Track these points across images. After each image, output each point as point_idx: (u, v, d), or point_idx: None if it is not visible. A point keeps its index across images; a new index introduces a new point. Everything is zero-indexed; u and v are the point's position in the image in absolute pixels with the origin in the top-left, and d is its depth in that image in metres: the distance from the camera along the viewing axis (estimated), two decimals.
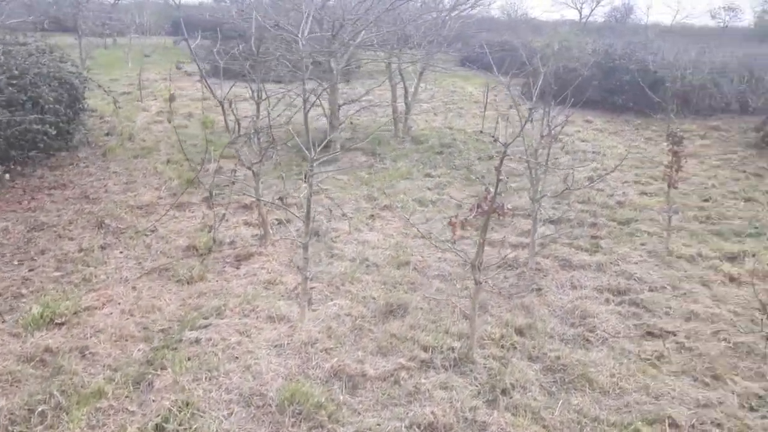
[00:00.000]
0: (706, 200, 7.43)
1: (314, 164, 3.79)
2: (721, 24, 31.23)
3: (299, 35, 4.07)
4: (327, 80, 8.93)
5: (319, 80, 8.98)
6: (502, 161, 3.31)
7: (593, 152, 9.85)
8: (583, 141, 10.84)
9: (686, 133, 12.10)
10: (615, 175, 8.46)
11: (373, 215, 6.49)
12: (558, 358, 3.86)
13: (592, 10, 39.81)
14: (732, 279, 5.15)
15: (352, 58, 9.62)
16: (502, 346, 4.00)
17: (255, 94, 5.41)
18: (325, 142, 4.71)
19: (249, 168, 5.33)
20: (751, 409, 3.42)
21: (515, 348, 4.00)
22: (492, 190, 3.43)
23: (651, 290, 4.87)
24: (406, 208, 6.72)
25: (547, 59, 15.72)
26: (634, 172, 8.57)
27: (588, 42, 16.40)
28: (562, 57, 14.82)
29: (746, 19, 33.01)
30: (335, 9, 8.54)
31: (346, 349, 3.89)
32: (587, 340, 4.13)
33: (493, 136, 3.61)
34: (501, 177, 3.34)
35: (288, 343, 3.89)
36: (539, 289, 4.86)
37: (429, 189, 7.58)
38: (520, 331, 4.20)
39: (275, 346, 3.89)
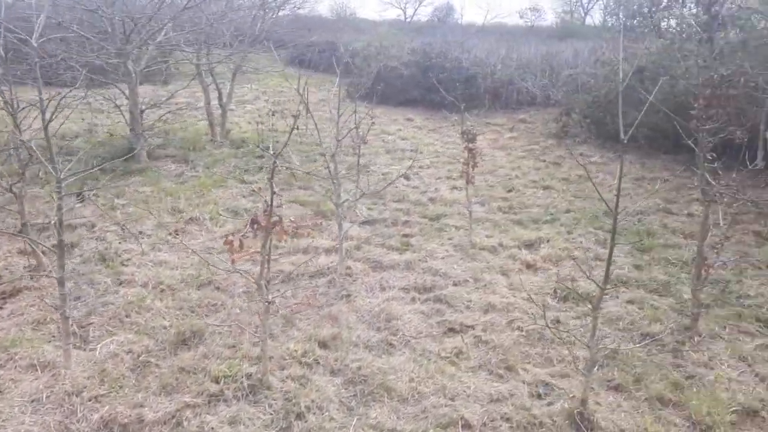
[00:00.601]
0: (510, 191, 7.89)
1: (62, 184, 3.24)
2: (529, 23, 34.29)
3: (35, 32, 3.46)
4: (126, 83, 8.12)
5: (115, 83, 8.14)
6: (273, 173, 3.06)
7: (411, 150, 10.09)
8: (403, 139, 11.08)
9: (497, 127, 12.97)
10: (429, 171, 8.72)
11: (177, 230, 5.94)
12: (359, 368, 3.72)
13: (415, 10, 41.57)
14: (528, 266, 5.44)
15: (154, 59, 8.85)
16: (304, 363, 3.77)
17: (9, 104, 4.62)
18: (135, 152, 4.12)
19: (9, 189, 4.54)
20: (539, 396, 3.55)
21: (318, 363, 3.80)
22: (270, 202, 3.17)
23: (455, 284, 4.96)
24: (215, 220, 6.26)
25: (369, 59, 16.02)
26: (447, 168, 8.88)
27: (406, 41, 16.92)
28: (383, 56, 15.11)
29: (549, 19, 36.48)
30: (123, 7, 7.75)
31: (123, 393, 3.40)
32: (390, 344, 4.05)
33: (260, 146, 3.35)
34: (275, 190, 3.09)
35: (48, 396, 3.31)
36: (348, 295, 4.73)
37: (244, 197, 7.17)
38: (324, 344, 4.00)
39: (32, 401, 3.29)
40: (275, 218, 3.11)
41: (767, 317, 4.54)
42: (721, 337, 4.23)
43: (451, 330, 4.26)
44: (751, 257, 5.74)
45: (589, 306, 3.13)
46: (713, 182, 3.80)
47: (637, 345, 4.02)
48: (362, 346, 4.03)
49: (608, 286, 3.15)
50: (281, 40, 14.56)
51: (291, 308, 4.41)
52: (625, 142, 2.96)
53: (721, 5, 8.05)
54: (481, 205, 7.25)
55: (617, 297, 4.82)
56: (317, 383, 3.55)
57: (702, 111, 3.60)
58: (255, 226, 3.09)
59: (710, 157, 3.73)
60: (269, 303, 3.40)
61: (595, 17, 35.64)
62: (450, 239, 5.95)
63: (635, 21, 11.25)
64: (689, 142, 3.84)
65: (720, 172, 3.86)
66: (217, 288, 4.78)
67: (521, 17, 35.33)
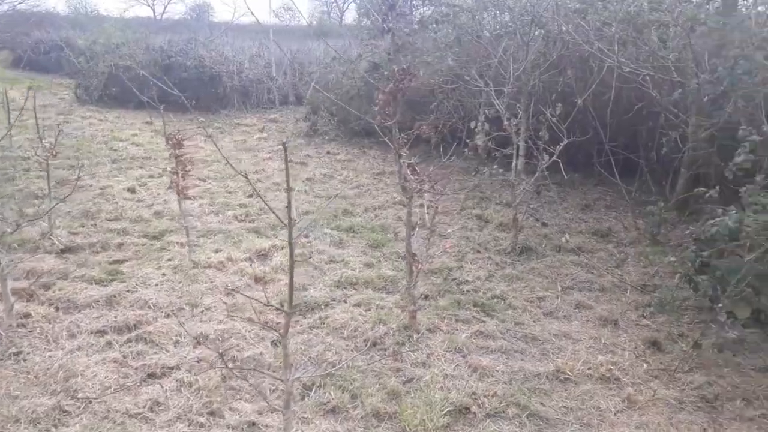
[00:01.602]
0: (250, 196, 7.37)
1: None
2: (284, 23, 34.26)
3: None
4: None
5: None
6: None
7: (144, 158, 9.00)
8: (137, 146, 9.89)
9: (247, 127, 12.38)
10: (161, 180, 7.80)
11: None
12: None
13: (165, 8, 38.90)
14: (258, 280, 4.97)
15: None
16: None
17: None
18: None
19: None
20: None
21: None
22: None
23: (166, 316, 4.26)
24: None
25: (97, 58, 14.19)
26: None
27: (143, 39, 15.38)
28: (113, 55, 13.47)
29: (306, 18, 36.93)
30: None
31: None
32: (64, 411, 3.22)
33: None
34: None
35: None
36: (18, 353, 3.73)
37: None
38: None
39: None
40: None
41: (482, 301, 4.70)
42: (440, 330, 4.22)
43: (151, 376, 3.57)
44: (472, 241, 6.04)
45: (279, 333, 2.74)
46: (410, 176, 3.71)
47: (357, 354, 3.79)
48: (25, 421, 3.13)
49: (295, 309, 2.77)
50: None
51: None
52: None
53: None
54: (216, 215, 6.61)
55: (345, 302, 4.60)
56: None
57: (382, 106, 3.46)
58: None
59: (404, 153, 3.63)
60: None
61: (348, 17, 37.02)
62: (170, 260, 5.20)
63: (370, 21, 11.56)
64: (385, 139, 3.70)
65: (417, 168, 3.79)
66: None
67: (276, 16, 35.12)
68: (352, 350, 3.92)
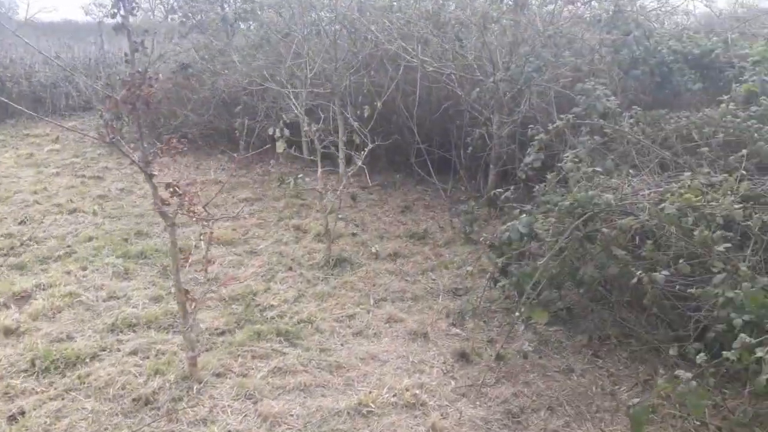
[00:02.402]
0: (22, 222, 6.19)
1: None
2: (96, 20, 31.04)
3: None
4: None
5: None
6: None
7: None
8: None
9: (38, 138, 10.74)
10: None
11: None
12: None
13: None
14: (9, 332, 4.01)
15: None
16: None
17: None
18: None
19: None
20: None
21: None
22: None
23: None
24: None
25: None
26: None
27: None
28: None
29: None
30: None
31: None
32: None
33: None
34: None
35: None
36: None
37: None
38: None
39: None
40: None
41: (286, 328, 4.21)
42: (231, 372, 3.65)
43: None
44: (286, 256, 5.54)
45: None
46: (170, 198, 3.10)
47: (121, 420, 3.10)
48: None
49: None
50: None
51: None
52: None
53: None
54: None
55: (118, 350, 3.84)
56: None
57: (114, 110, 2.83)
58: None
59: (155, 171, 3.01)
60: None
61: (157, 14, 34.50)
62: None
63: (176, 17, 10.52)
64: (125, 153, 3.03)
65: (179, 187, 3.17)
66: None
67: (87, 14, 31.71)
68: (116, 415, 3.21)
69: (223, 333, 4.14)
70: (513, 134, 6.02)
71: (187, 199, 3.06)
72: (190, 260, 3.30)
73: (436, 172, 7.32)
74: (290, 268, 5.30)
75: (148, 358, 3.77)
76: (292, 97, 4.99)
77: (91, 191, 7.35)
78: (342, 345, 4.09)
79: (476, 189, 6.99)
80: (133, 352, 3.80)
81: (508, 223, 3.62)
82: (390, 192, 7.76)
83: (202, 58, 9.29)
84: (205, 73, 9.13)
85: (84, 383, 3.45)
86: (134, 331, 4.10)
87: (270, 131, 4.76)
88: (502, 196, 4.10)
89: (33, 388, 3.40)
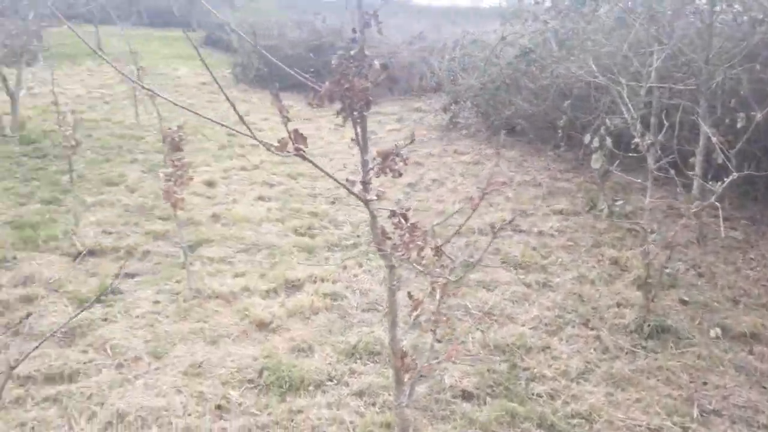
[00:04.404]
0: (333, 201, 6.28)
1: None
2: (473, 4, 32.52)
3: None
4: None
5: None
6: None
7: (253, 146, 8.40)
8: (258, 131, 9.37)
9: (385, 117, 11.36)
10: (247, 175, 7.07)
11: None
12: None
13: None
14: (261, 325, 3.83)
15: None
16: None
17: None
18: None
19: None
20: None
21: None
22: None
23: (118, 368, 3.33)
24: None
25: (242, 39, 14.16)
26: (271, 171, 7.21)
27: (289, 17, 15.05)
28: (264, 36, 13.31)
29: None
30: None
31: None
32: None
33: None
34: None
35: None
36: None
37: None
38: None
39: None
40: None
41: (553, 420, 3.01)
42: None
43: None
44: (585, 302, 4.23)
45: None
46: (392, 233, 2.23)
47: None
48: None
49: None
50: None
51: None
52: None
53: None
54: (279, 223, 5.61)
55: (346, 385, 3.24)
56: None
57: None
58: None
59: (374, 196, 2.16)
60: None
61: None
62: (178, 282, 4.29)
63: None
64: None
65: (406, 217, 2.27)
66: None
67: None
68: None
69: (469, 398, 3.19)
70: None
71: (413, 236, 2.17)
72: (419, 309, 2.44)
73: None
74: (587, 322, 4.00)
75: (373, 405, 3.08)
76: (625, 95, 3.58)
77: (403, 179, 7.15)
78: None
79: None
80: (359, 393, 3.16)
81: None
82: (764, 231, 5.55)
83: (546, 42, 8.25)
84: (547, 59, 8.08)
85: (292, 421, 2.94)
86: (374, 362, 3.47)
87: (586, 140, 3.48)
88: None
89: (247, 408, 3.04)
